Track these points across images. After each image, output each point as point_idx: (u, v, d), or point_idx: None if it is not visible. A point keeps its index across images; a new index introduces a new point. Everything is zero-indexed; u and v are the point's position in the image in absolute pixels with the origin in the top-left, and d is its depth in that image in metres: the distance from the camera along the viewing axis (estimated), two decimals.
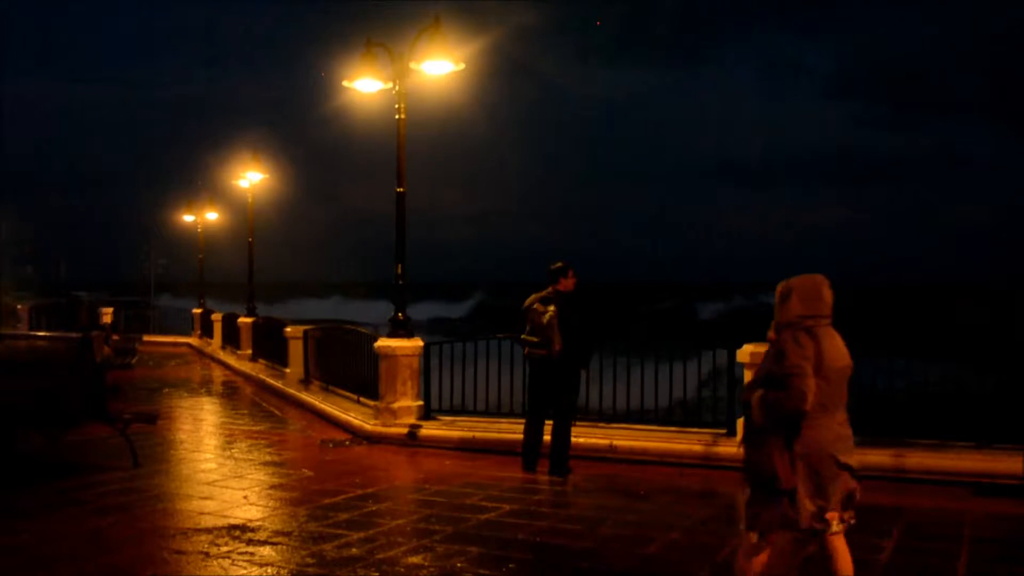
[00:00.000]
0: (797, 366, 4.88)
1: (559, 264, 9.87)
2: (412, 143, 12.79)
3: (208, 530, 7.44)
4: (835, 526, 5.05)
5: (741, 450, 5.19)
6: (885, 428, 10.02)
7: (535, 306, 9.72)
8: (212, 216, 34.74)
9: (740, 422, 10.20)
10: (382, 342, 12.48)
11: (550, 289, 9.80)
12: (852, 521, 5.17)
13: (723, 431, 10.49)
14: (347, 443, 12.02)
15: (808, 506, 4.94)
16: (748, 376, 10.16)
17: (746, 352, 10.23)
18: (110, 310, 32.85)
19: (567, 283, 9.80)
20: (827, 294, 5.10)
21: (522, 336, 9.81)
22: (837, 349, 5.05)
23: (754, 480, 5.10)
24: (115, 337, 21.25)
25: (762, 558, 5.19)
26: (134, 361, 20.58)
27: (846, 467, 5.03)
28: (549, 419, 9.86)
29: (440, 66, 12.17)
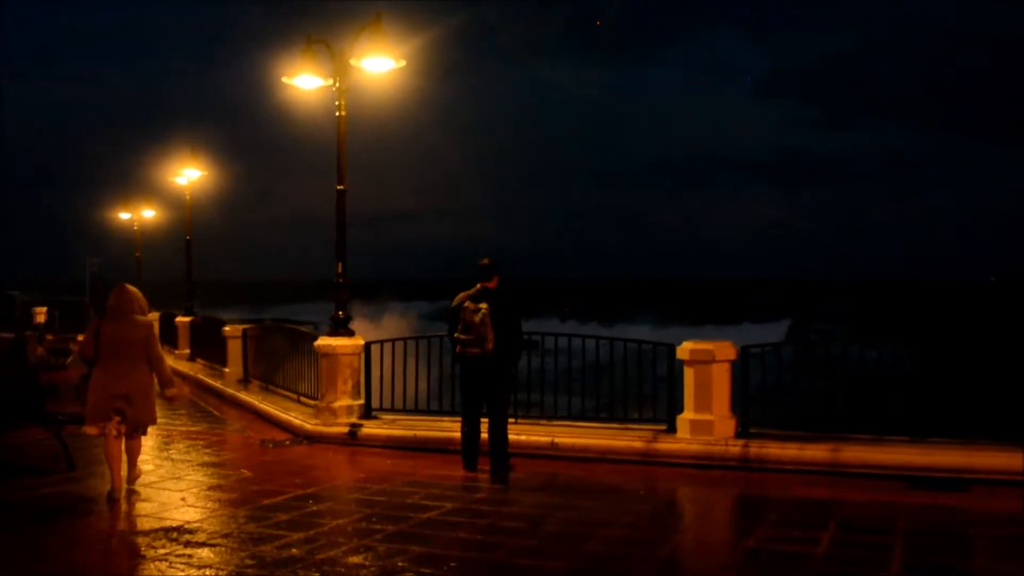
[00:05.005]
0: (85, 334, 8.80)
1: (488, 260, 9.79)
2: (356, 141, 12.74)
3: (145, 532, 7.33)
4: (113, 431, 8.50)
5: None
6: (823, 423, 10.17)
7: (466, 304, 9.63)
8: (149, 214, 34.21)
9: (680, 418, 10.31)
10: (322, 341, 12.40)
11: (479, 286, 9.74)
12: (124, 429, 8.58)
13: (663, 427, 10.56)
14: (287, 443, 11.92)
15: (91, 418, 8.55)
16: (688, 373, 10.27)
17: (685, 349, 10.33)
18: (44, 309, 32.25)
19: (496, 280, 9.76)
20: (120, 299, 8.76)
21: (455, 335, 9.73)
22: (117, 329, 8.60)
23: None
24: (49, 337, 20.89)
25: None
26: (69, 361, 20.20)
27: (118, 396, 8.47)
28: (485, 416, 9.84)
29: (381, 63, 12.11)
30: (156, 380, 8.93)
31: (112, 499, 8.43)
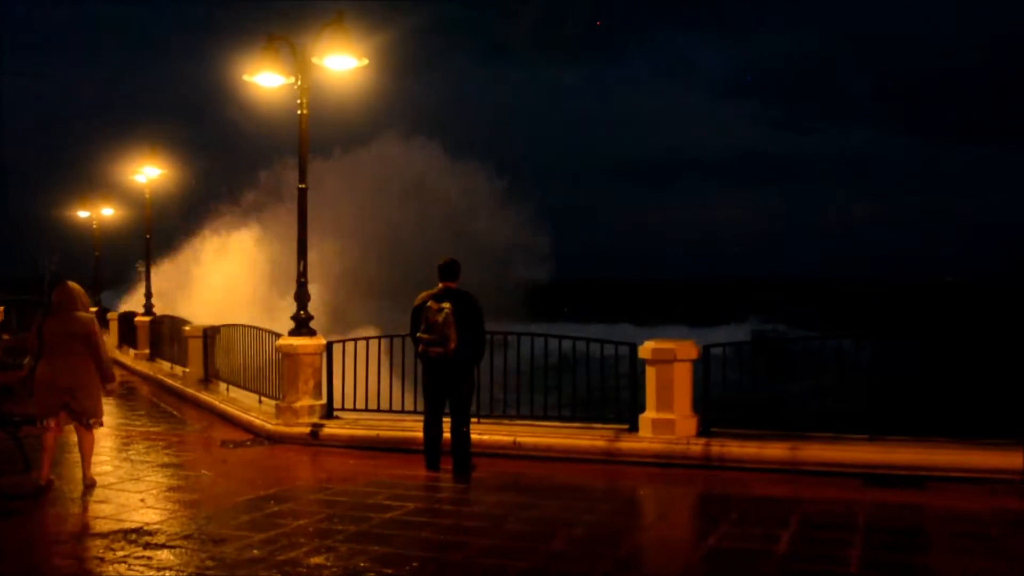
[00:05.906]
0: (31, 330, 9.17)
1: (450, 260, 9.78)
2: (321, 139, 12.67)
3: (103, 535, 7.25)
4: (50, 425, 8.82)
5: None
6: (783, 422, 10.25)
7: (429, 303, 9.60)
8: (108, 212, 33.88)
9: (642, 417, 10.35)
10: (284, 340, 12.32)
11: (441, 286, 9.72)
12: (70, 423, 8.89)
13: (625, 427, 10.59)
14: (248, 443, 11.85)
15: (39, 410, 8.85)
16: (649, 372, 10.30)
17: (647, 348, 10.35)
18: (0, 308, 31.80)
19: (458, 279, 9.76)
20: (63, 295, 9.01)
21: (417, 334, 9.71)
22: (56, 323, 8.90)
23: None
24: (5, 336, 20.61)
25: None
26: (26, 361, 19.94)
27: (62, 389, 8.76)
28: (447, 416, 9.83)
29: (343, 61, 12.06)
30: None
31: (40, 490, 8.69)
